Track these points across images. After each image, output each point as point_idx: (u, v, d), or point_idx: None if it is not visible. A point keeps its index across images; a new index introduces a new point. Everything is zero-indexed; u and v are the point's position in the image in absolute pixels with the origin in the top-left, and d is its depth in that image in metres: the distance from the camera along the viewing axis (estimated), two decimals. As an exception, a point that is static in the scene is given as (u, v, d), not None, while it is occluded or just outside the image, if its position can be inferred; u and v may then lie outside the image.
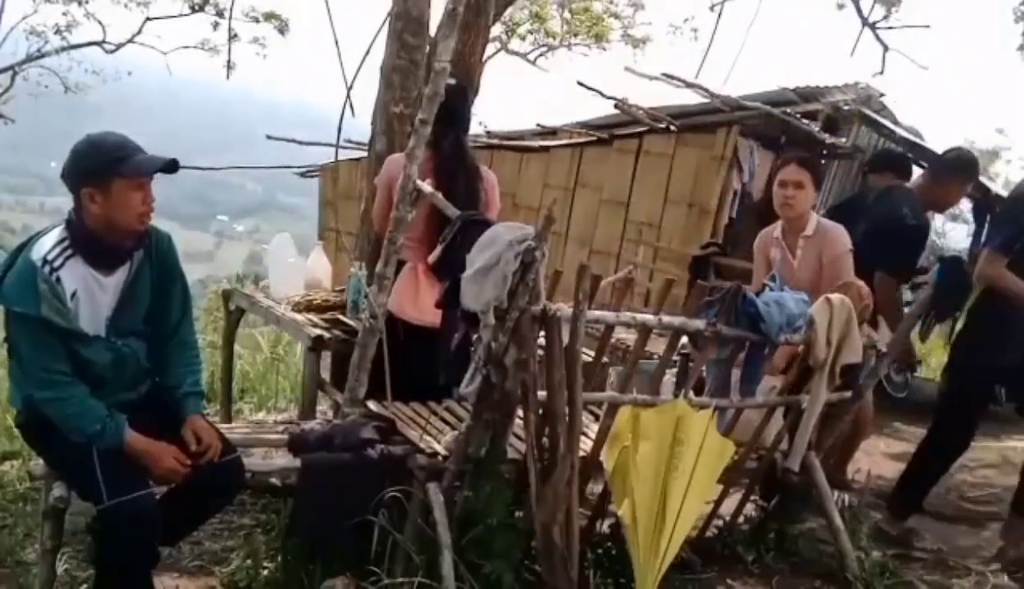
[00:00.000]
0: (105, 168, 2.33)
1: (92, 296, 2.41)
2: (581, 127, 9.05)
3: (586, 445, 3.04)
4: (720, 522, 3.62)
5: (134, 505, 2.32)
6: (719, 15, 7.87)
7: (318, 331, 3.83)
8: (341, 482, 2.78)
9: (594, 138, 8.82)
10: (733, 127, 7.52)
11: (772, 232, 3.97)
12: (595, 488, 3.33)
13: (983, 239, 4.80)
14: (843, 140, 8.12)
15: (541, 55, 17.14)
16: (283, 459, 2.88)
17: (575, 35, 16.51)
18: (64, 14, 15.43)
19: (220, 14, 14.89)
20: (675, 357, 3.35)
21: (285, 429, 3.15)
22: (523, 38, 16.77)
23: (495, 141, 9.92)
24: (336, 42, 4.37)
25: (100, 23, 16.15)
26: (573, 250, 8.71)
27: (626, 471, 2.80)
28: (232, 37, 13.23)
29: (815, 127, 7.56)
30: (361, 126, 5.17)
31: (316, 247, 4.98)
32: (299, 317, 4.09)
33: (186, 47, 16.76)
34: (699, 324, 3.01)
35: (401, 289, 3.50)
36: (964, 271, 3.62)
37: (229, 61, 11.63)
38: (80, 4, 15.21)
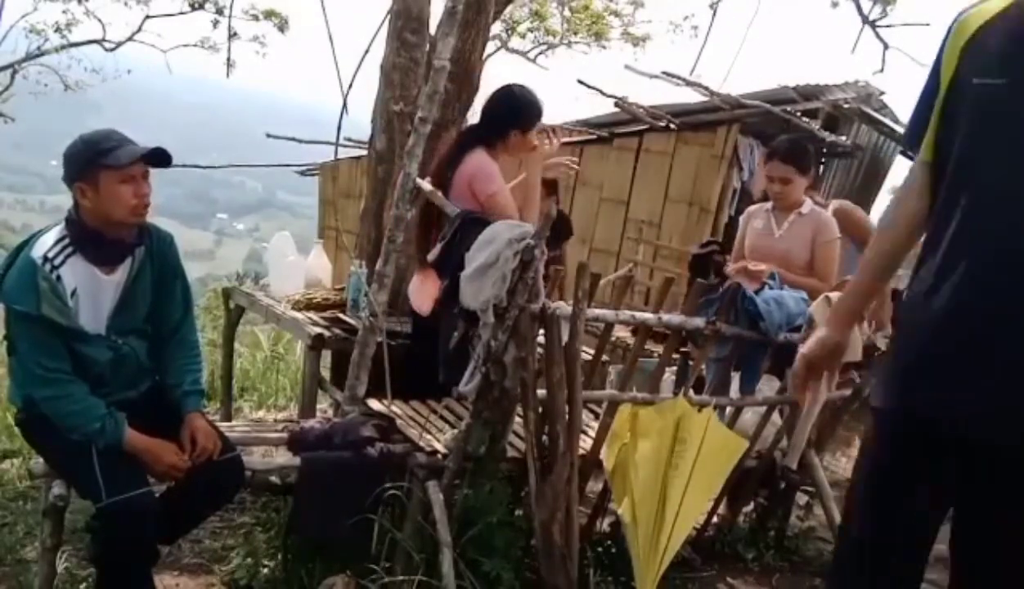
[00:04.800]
0: (90, 162, 2.33)
1: (93, 294, 2.41)
2: (581, 125, 9.04)
3: (586, 443, 3.05)
4: (719, 520, 3.62)
5: (133, 503, 2.32)
6: (714, 13, 7.86)
7: (318, 329, 3.84)
8: (341, 480, 2.78)
9: (594, 136, 8.81)
10: (733, 125, 7.52)
11: (764, 205, 3.99)
12: (595, 486, 3.34)
13: None
14: (843, 138, 8.12)
15: (541, 53, 17.11)
16: (283, 457, 2.88)
17: (575, 33, 16.47)
18: (64, 12, 15.42)
19: (220, 12, 14.84)
20: (674, 355, 3.35)
21: (285, 427, 3.15)
22: (523, 36, 16.74)
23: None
24: (331, 40, 4.36)
25: (100, 21, 16.15)
26: (573, 248, 8.69)
27: (626, 469, 2.81)
28: (232, 35, 13.20)
29: (815, 125, 7.56)
30: (361, 124, 5.17)
31: (316, 245, 4.98)
32: (299, 315, 4.09)
33: (186, 45, 16.73)
34: (699, 322, 3.01)
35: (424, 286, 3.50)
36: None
37: (229, 59, 11.62)
38: (80, 2, 15.18)
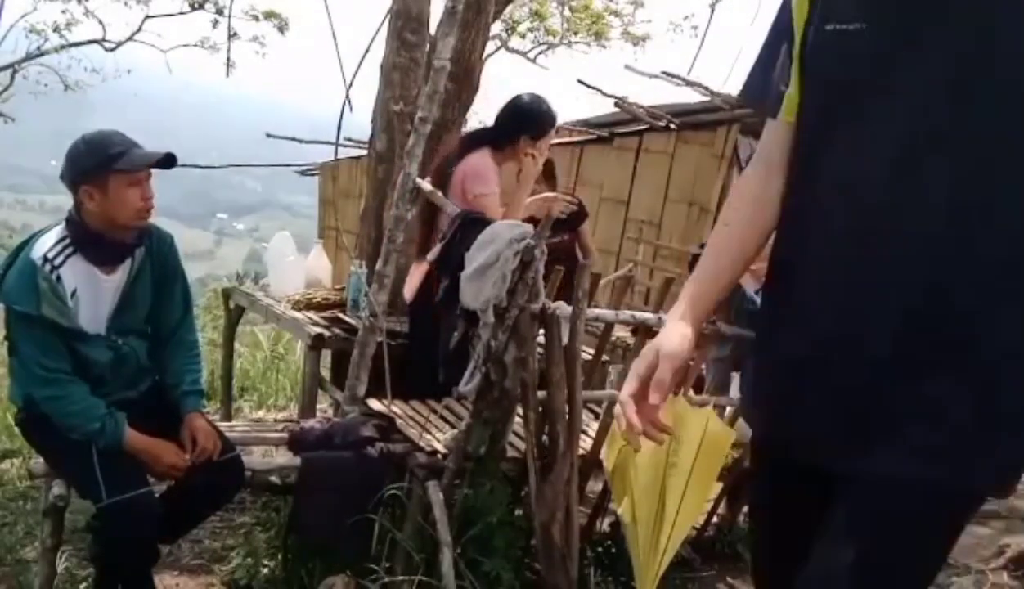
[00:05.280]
0: (100, 165, 2.33)
1: (93, 295, 2.41)
2: (581, 125, 9.05)
3: (586, 443, 3.05)
4: (719, 520, 3.62)
5: (133, 503, 2.33)
6: (712, 12, 7.87)
7: (318, 329, 3.84)
8: (341, 480, 2.78)
9: (594, 136, 8.81)
10: (733, 125, 7.52)
11: None
12: (595, 486, 3.33)
13: None
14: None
15: (541, 53, 17.11)
16: (283, 457, 2.88)
17: (575, 33, 16.48)
18: (64, 12, 15.42)
19: (220, 12, 14.86)
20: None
21: (285, 427, 3.15)
22: (523, 36, 16.74)
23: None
24: (334, 36, 4.37)
25: (100, 21, 16.14)
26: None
27: (626, 469, 2.81)
28: (232, 35, 13.23)
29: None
30: (361, 124, 5.17)
31: (316, 245, 4.98)
32: (299, 315, 4.09)
33: (186, 45, 16.74)
34: (699, 322, 3.00)
35: None
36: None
37: (228, 59, 11.64)
38: (80, 2, 15.19)
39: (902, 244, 1.24)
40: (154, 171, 2.44)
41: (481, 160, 3.43)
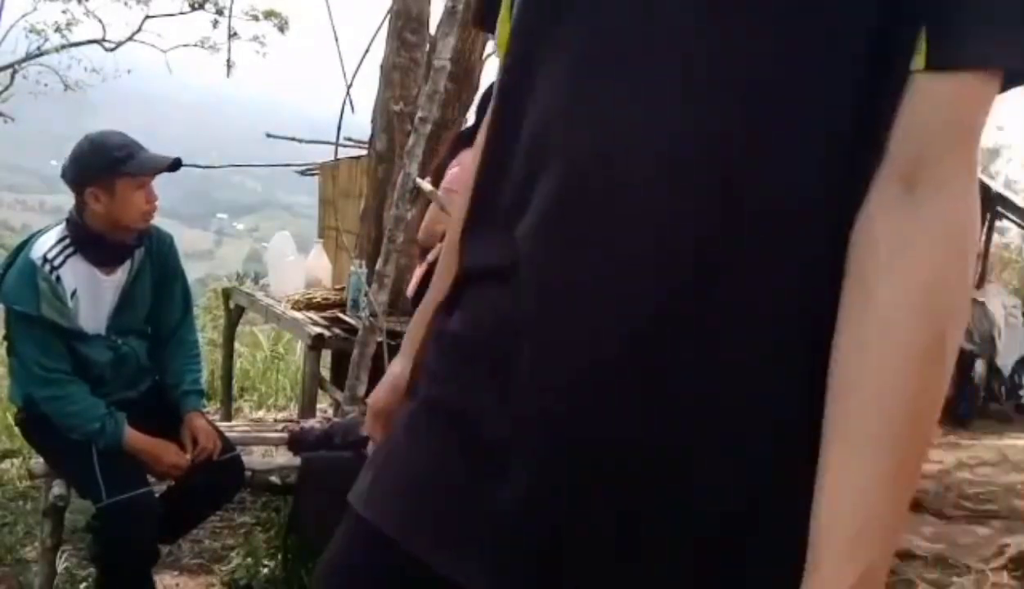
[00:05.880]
0: (108, 168, 2.33)
1: (93, 295, 2.42)
2: (581, 125, 9.05)
3: (586, 443, 3.05)
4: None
5: (133, 503, 2.32)
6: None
7: (318, 329, 3.84)
8: (341, 480, 2.77)
9: (594, 136, 8.81)
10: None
11: None
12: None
13: None
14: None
15: (541, 53, 17.13)
16: (283, 457, 2.88)
17: (575, 33, 16.50)
18: (64, 12, 15.43)
19: (220, 12, 14.85)
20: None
21: (285, 427, 3.15)
22: (523, 36, 16.76)
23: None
24: (335, 35, 4.37)
25: (100, 21, 16.14)
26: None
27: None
28: (232, 35, 13.20)
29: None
30: (361, 124, 5.17)
31: (316, 245, 4.98)
32: (299, 315, 4.09)
33: (186, 45, 16.74)
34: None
35: None
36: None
37: (229, 59, 11.62)
38: (80, 2, 15.19)
39: (655, 239, 0.72)
40: (155, 172, 2.45)
41: (467, 159, 3.46)
